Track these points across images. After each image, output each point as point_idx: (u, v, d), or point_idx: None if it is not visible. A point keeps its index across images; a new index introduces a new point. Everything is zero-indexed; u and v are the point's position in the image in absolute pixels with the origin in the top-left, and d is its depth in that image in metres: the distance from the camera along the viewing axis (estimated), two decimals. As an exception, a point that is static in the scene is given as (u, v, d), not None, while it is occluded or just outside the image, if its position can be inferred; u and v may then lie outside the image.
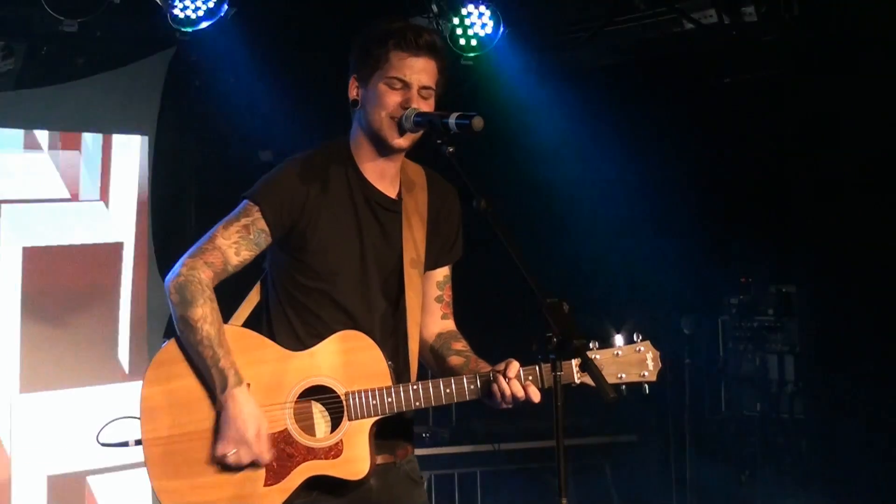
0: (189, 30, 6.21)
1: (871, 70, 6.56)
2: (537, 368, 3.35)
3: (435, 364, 3.63)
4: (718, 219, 7.35)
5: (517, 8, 6.84)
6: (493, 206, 3.22)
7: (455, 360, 3.58)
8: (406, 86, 3.42)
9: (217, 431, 3.36)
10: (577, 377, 3.39)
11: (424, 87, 3.43)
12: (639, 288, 7.46)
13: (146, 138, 6.91)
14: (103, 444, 3.60)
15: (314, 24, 6.74)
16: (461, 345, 3.62)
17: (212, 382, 3.36)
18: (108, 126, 6.80)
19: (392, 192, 3.55)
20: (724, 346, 7.53)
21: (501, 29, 6.76)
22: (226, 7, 6.21)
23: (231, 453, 3.33)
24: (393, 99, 3.42)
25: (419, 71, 3.42)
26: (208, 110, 6.92)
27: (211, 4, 6.19)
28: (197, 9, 6.17)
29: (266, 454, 3.35)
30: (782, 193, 7.27)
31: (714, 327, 7.53)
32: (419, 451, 3.71)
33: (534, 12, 6.96)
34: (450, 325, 3.68)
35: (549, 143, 7.37)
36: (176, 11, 6.15)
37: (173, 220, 7.02)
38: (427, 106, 3.45)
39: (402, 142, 3.46)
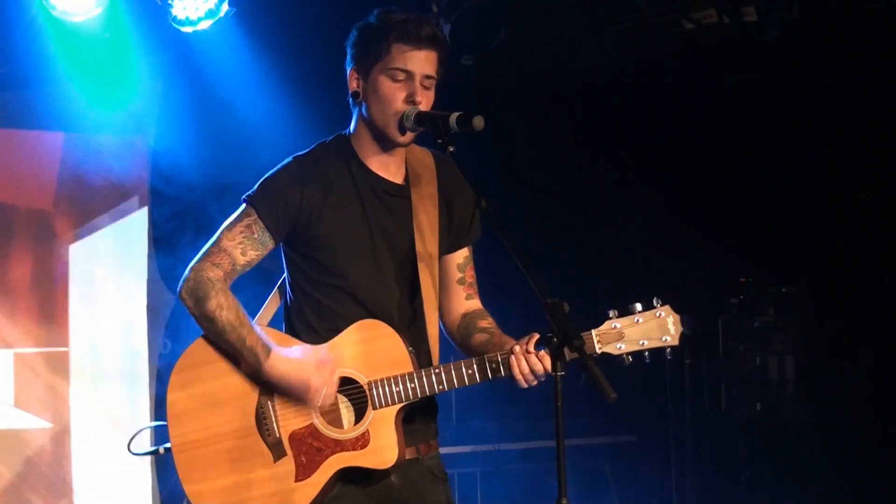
0: (189, 30, 6.22)
1: (870, 70, 6.56)
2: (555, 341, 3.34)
3: (461, 344, 3.64)
4: (718, 218, 7.34)
5: (518, 8, 6.84)
6: (494, 206, 3.22)
7: (479, 338, 3.58)
8: (409, 76, 3.42)
9: (250, 433, 3.40)
10: (598, 347, 3.40)
11: (427, 77, 3.44)
12: (638, 288, 7.44)
13: (146, 138, 6.91)
14: (134, 454, 3.63)
15: (314, 23, 6.73)
16: (486, 322, 3.62)
17: (246, 364, 3.40)
18: (107, 126, 6.79)
19: (398, 178, 3.56)
20: (724, 346, 7.52)
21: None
22: (226, 7, 6.21)
23: (317, 403, 3.36)
24: (397, 93, 3.42)
25: (421, 61, 3.42)
26: (208, 110, 6.91)
27: (211, 4, 6.19)
28: (197, 9, 6.18)
29: (331, 381, 3.37)
30: (782, 193, 7.26)
31: (714, 327, 7.52)
32: (421, 451, 3.70)
33: (534, 12, 6.96)
34: (475, 304, 3.68)
35: (548, 142, 7.37)
36: (176, 11, 6.15)
37: (173, 222, 7.01)
38: (428, 97, 3.44)
39: (405, 139, 3.46)
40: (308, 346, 3.42)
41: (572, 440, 6.67)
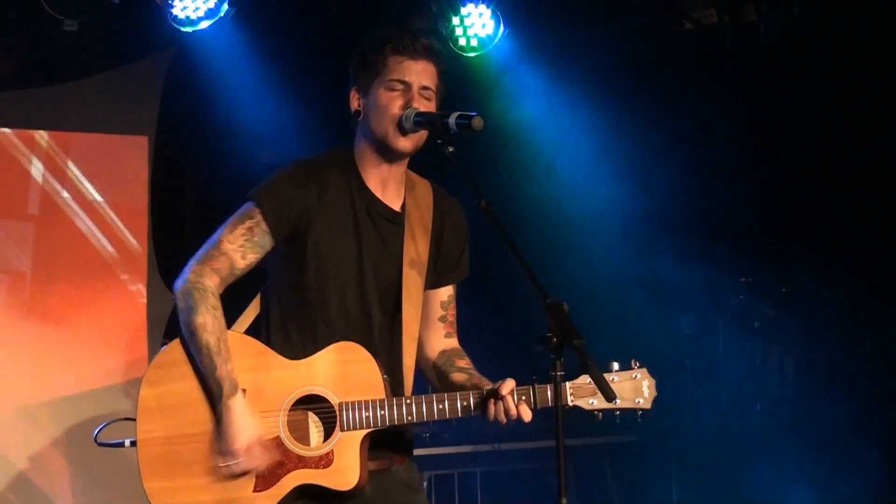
0: (189, 30, 6.22)
1: (870, 70, 6.56)
2: (531, 389, 3.36)
3: (437, 381, 3.63)
4: (719, 218, 7.35)
5: (517, 8, 6.84)
6: (492, 207, 3.22)
7: (457, 377, 3.57)
8: (406, 86, 3.43)
9: (214, 438, 3.39)
10: (571, 400, 3.40)
11: (424, 88, 3.44)
12: (639, 288, 7.46)
13: (146, 139, 6.91)
14: (101, 444, 3.62)
15: (314, 24, 6.74)
16: (464, 362, 3.62)
17: (210, 391, 3.40)
18: (107, 126, 6.79)
19: (395, 204, 3.55)
20: (725, 347, 7.52)
21: (502, 29, 6.77)
22: (226, 7, 6.22)
23: (222, 465, 3.36)
24: (395, 101, 3.43)
25: (418, 73, 3.43)
26: (208, 110, 6.91)
27: (211, 4, 6.20)
28: (197, 9, 6.19)
29: (257, 463, 3.36)
30: (782, 193, 7.27)
31: (714, 327, 7.52)
32: (420, 451, 3.71)
33: (534, 12, 6.96)
34: (453, 343, 3.68)
35: (549, 142, 7.37)
36: (176, 11, 6.16)
37: (173, 222, 7.01)
38: (427, 107, 3.44)
39: (405, 143, 3.45)
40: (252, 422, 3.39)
41: (572, 440, 6.66)
